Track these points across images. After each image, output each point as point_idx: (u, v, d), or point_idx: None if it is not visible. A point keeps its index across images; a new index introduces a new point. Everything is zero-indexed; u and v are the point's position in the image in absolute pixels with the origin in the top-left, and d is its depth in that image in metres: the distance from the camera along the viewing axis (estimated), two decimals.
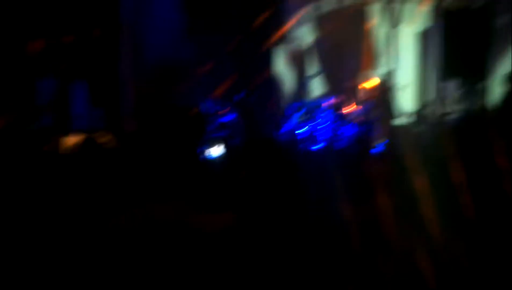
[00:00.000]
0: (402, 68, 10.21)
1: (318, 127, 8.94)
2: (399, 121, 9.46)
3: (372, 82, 9.99)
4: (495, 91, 8.06)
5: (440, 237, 2.83)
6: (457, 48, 7.79)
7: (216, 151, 6.15)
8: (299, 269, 2.91)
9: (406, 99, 10.03)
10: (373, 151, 4.70)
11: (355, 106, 9.34)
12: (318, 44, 11.41)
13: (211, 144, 6.95)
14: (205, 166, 4.09)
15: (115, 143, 7.31)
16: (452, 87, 8.65)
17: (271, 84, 11.74)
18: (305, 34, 11.88)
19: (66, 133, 7.10)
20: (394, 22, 10.57)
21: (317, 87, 11.11)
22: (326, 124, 8.92)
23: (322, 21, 11.59)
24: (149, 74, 10.44)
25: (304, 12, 11.96)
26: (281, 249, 2.96)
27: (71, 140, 6.25)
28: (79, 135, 6.63)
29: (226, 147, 6.17)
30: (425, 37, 9.98)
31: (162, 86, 10.41)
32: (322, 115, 9.02)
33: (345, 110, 9.08)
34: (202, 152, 4.30)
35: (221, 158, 4.56)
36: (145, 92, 10.33)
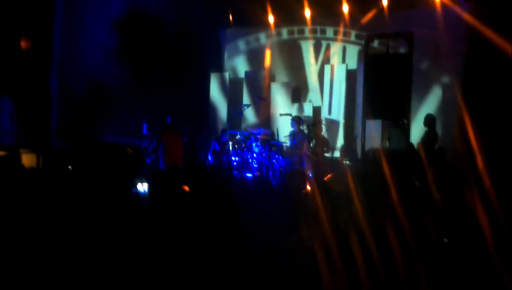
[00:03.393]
0: (331, 104, 10.62)
1: (249, 156, 9.04)
2: (327, 154, 9.77)
3: (302, 116, 10.29)
4: (417, 130, 8.60)
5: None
6: (381, 88, 8.25)
7: (145, 185, 5.88)
8: None
9: (334, 134, 10.41)
10: (302, 182, 4.82)
11: (286, 138, 9.56)
12: (252, 75, 11.65)
13: (141, 177, 6.67)
14: (134, 199, 3.97)
15: (38, 162, 6.96)
16: (377, 125, 9.10)
17: (204, 111, 11.78)
18: (240, 65, 12.11)
19: None
20: (326, 59, 11.03)
21: (250, 117, 11.28)
22: (257, 154, 9.04)
23: (257, 53, 11.87)
24: (79, 94, 10.13)
25: (240, 43, 12.21)
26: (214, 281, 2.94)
27: None
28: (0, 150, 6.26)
29: (154, 177, 5.93)
30: (353, 76, 10.47)
31: (91, 108, 10.11)
32: (254, 144, 9.14)
33: (276, 142, 9.27)
34: (132, 185, 4.19)
35: (150, 190, 4.37)
36: (74, 112, 9.98)
